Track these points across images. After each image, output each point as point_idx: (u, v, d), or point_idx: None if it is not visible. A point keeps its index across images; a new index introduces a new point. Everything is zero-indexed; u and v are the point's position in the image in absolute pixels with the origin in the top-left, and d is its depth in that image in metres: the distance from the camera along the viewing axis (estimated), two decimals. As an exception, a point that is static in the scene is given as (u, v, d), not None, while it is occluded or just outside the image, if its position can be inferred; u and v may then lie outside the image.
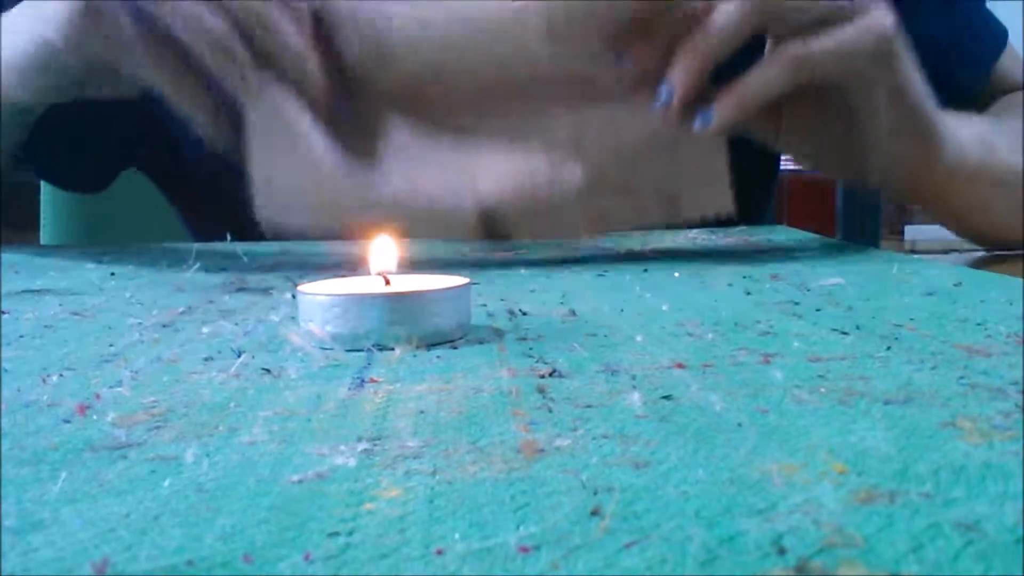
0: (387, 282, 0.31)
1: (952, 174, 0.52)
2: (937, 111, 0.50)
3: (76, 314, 0.37)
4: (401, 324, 0.29)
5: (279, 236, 0.48)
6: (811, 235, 0.62)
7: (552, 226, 0.47)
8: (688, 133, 0.46)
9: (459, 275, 0.32)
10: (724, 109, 0.46)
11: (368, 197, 0.47)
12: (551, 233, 0.48)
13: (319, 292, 0.30)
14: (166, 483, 0.18)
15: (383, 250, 0.32)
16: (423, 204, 0.47)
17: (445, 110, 0.48)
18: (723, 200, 0.47)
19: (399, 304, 0.29)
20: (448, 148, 0.48)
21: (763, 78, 0.46)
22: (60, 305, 0.40)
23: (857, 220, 1.68)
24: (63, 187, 0.74)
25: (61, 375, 0.27)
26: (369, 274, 0.32)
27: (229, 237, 0.80)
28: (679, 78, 0.45)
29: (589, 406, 0.22)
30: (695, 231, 0.64)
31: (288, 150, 0.46)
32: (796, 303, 0.36)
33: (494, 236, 0.48)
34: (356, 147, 0.47)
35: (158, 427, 0.22)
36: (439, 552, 0.14)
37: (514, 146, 0.47)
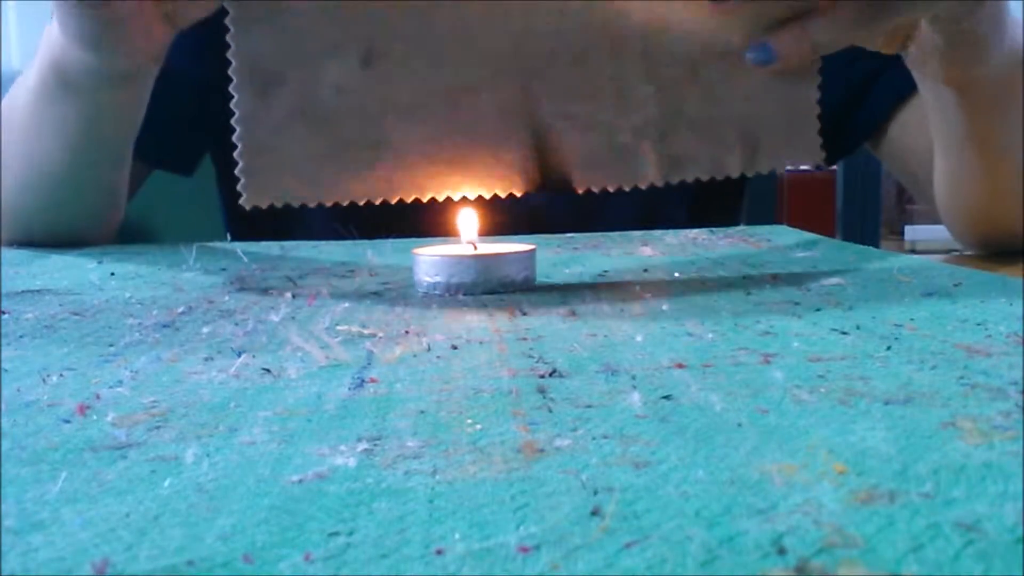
0: (474, 247, 0.41)
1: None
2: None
3: (76, 314, 0.37)
4: (485, 277, 0.40)
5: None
6: (811, 235, 0.62)
7: (620, 173, 0.43)
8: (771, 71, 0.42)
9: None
10: (786, 47, 0.42)
11: (384, 147, 0.42)
12: (618, 180, 0.43)
13: (431, 254, 0.40)
14: (166, 483, 0.18)
15: (469, 223, 0.42)
16: (465, 151, 0.42)
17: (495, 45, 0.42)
18: (809, 148, 0.43)
19: (484, 262, 0.40)
20: (494, 83, 0.42)
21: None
22: (60, 305, 0.40)
23: (857, 220, 1.68)
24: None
25: (61, 375, 0.27)
26: (461, 242, 0.42)
27: (229, 237, 0.80)
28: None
29: (589, 406, 0.22)
30: (695, 231, 0.64)
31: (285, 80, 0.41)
32: (796, 303, 0.36)
33: (553, 187, 0.42)
34: (366, 83, 0.41)
35: (158, 427, 0.22)
36: (439, 552, 0.14)
37: (575, 75, 0.42)
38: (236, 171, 0.41)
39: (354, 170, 0.42)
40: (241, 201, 0.41)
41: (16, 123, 0.60)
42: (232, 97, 0.41)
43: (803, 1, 0.42)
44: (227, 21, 0.41)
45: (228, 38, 0.41)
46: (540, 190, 0.43)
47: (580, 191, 0.43)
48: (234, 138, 0.41)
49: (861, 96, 0.67)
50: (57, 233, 0.61)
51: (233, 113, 0.41)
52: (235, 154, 0.41)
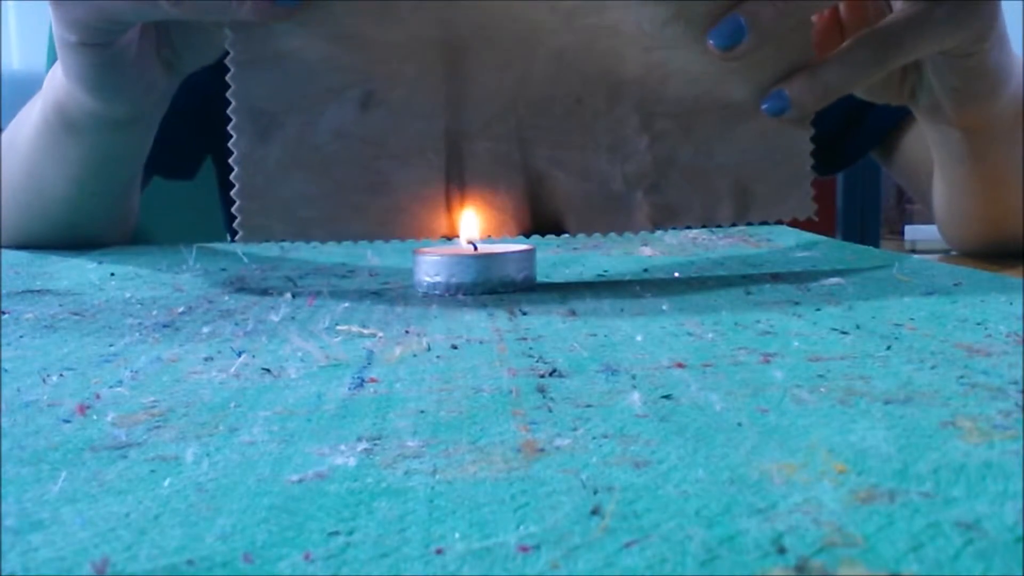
0: (475, 247, 0.41)
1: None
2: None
3: (76, 314, 0.37)
4: (485, 277, 0.40)
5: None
6: (811, 235, 0.62)
7: (612, 220, 0.43)
8: (767, 120, 0.42)
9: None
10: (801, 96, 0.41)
11: (380, 189, 0.42)
12: (610, 228, 0.43)
13: (431, 253, 0.41)
14: (166, 483, 0.18)
15: (470, 224, 0.42)
16: (460, 195, 0.42)
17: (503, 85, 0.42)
18: (801, 203, 0.43)
19: (484, 262, 0.40)
20: (490, 128, 0.42)
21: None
22: (60, 305, 0.40)
23: (857, 220, 1.68)
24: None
25: (61, 375, 0.27)
26: (461, 242, 0.42)
27: (229, 238, 0.80)
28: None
29: (589, 406, 0.22)
30: (695, 231, 0.64)
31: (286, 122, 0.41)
32: (796, 303, 0.36)
33: (545, 230, 0.43)
34: (372, 125, 0.42)
35: (158, 427, 0.22)
36: (439, 552, 0.14)
37: (571, 123, 0.42)
38: (233, 210, 0.42)
39: (349, 212, 0.42)
40: (237, 239, 0.42)
41: (21, 155, 0.60)
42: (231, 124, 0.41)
43: (808, 52, 0.42)
44: (227, 62, 0.41)
45: (228, 79, 0.41)
46: (533, 234, 0.43)
47: (572, 235, 0.43)
48: (232, 177, 0.41)
49: (866, 107, 0.67)
50: (65, 248, 0.61)
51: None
52: (232, 193, 0.41)
